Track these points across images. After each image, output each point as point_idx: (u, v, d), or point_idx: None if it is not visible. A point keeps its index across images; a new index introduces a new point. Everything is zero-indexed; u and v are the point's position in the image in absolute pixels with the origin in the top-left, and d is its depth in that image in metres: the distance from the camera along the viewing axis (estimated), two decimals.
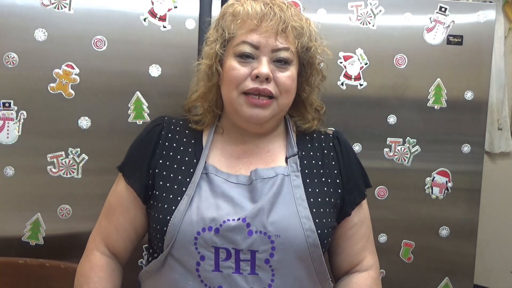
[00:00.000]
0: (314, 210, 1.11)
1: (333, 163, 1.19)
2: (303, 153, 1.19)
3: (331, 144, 1.21)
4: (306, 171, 1.16)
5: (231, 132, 1.19)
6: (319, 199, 1.13)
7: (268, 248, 1.06)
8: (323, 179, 1.17)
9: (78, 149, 1.43)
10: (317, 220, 1.10)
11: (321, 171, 1.17)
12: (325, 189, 1.15)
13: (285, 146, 1.20)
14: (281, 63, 1.11)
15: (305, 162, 1.17)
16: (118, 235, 1.19)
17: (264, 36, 1.09)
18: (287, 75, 1.11)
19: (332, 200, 1.15)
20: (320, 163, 1.18)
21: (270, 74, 1.09)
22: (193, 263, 1.06)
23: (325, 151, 1.20)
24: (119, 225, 1.19)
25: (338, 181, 1.18)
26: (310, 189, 1.14)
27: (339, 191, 1.17)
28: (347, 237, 1.20)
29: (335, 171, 1.18)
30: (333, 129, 1.30)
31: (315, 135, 1.23)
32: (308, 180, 1.15)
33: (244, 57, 1.10)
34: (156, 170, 1.15)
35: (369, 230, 1.24)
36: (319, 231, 1.09)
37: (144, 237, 1.23)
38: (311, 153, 1.19)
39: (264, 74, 1.08)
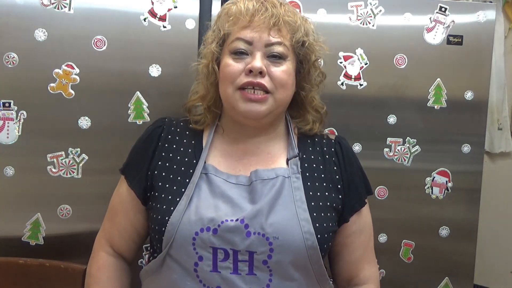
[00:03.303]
0: (314, 214, 1.10)
1: (335, 168, 1.18)
2: (304, 156, 1.18)
3: (333, 149, 1.20)
4: (307, 174, 1.15)
5: (231, 132, 1.18)
6: (320, 203, 1.13)
7: (266, 249, 1.05)
8: (324, 183, 1.16)
9: (78, 149, 1.43)
10: (317, 225, 1.09)
11: (322, 175, 1.17)
12: (326, 193, 1.15)
13: (286, 148, 1.19)
14: (276, 58, 1.11)
15: (306, 165, 1.17)
16: (121, 237, 1.20)
17: (257, 31, 1.10)
18: (282, 70, 1.11)
19: (334, 204, 1.15)
20: (321, 167, 1.18)
21: (264, 68, 1.09)
22: (191, 264, 1.06)
23: (327, 156, 1.19)
24: (121, 227, 1.20)
25: (339, 186, 1.17)
26: (311, 193, 1.13)
27: (340, 196, 1.16)
28: (345, 245, 1.19)
29: (337, 177, 1.17)
30: (336, 134, 1.29)
31: (316, 139, 1.22)
32: (309, 183, 1.14)
33: (238, 54, 1.10)
34: (155, 172, 1.15)
35: (369, 239, 1.23)
36: (318, 236, 1.08)
37: (147, 237, 1.23)
38: (312, 157, 1.19)
39: (257, 68, 1.08)
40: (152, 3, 1.42)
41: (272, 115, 1.14)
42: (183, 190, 1.11)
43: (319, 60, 1.21)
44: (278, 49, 1.11)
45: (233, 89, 1.10)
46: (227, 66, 1.11)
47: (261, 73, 1.08)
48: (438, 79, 1.57)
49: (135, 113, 1.44)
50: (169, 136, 1.18)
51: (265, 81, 1.09)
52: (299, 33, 1.13)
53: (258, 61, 1.08)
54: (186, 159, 1.15)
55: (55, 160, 1.42)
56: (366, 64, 1.53)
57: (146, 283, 1.17)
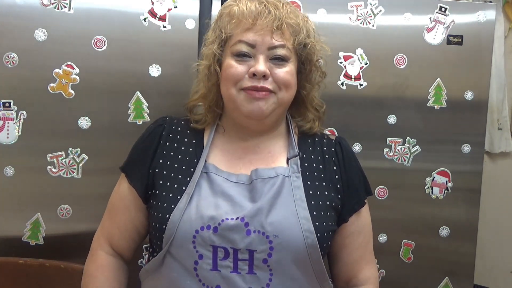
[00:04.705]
0: (314, 213, 1.10)
1: (335, 168, 1.18)
2: (304, 155, 1.18)
3: (333, 149, 1.21)
4: (307, 173, 1.16)
5: (232, 131, 1.19)
6: (320, 202, 1.13)
7: (266, 248, 1.05)
8: (324, 183, 1.16)
9: (78, 149, 1.43)
10: (317, 223, 1.09)
11: (322, 175, 1.17)
12: (326, 193, 1.15)
13: (286, 147, 1.19)
14: (278, 60, 1.11)
15: (306, 164, 1.17)
16: (121, 235, 1.20)
17: (260, 34, 1.09)
18: (285, 71, 1.11)
19: (334, 204, 1.15)
20: (321, 166, 1.18)
21: (267, 71, 1.09)
22: (191, 262, 1.06)
23: (327, 156, 1.19)
24: (121, 225, 1.20)
25: (338, 186, 1.17)
26: (311, 192, 1.13)
27: (339, 196, 1.17)
28: (343, 245, 1.19)
29: (336, 176, 1.18)
30: (336, 134, 1.29)
31: (317, 139, 1.22)
32: (309, 183, 1.14)
33: (241, 56, 1.10)
34: (156, 170, 1.15)
35: (367, 240, 1.23)
36: (318, 234, 1.08)
37: (146, 236, 1.23)
38: (312, 156, 1.19)
39: (260, 72, 1.08)
40: (152, 3, 1.42)
41: (274, 114, 1.14)
42: (183, 188, 1.11)
43: (320, 60, 1.21)
44: (281, 51, 1.11)
45: (236, 90, 1.10)
46: (229, 68, 1.11)
47: (264, 76, 1.09)
48: (438, 79, 1.57)
49: (135, 113, 1.44)
50: (170, 135, 1.19)
51: (268, 83, 1.09)
52: (301, 35, 1.13)
53: (261, 65, 1.09)
54: (187, 158, 1.15)
55: (55, 160, 1.42)
56: (366, 64, 1.53)
57: (146, 282, 1.17)
